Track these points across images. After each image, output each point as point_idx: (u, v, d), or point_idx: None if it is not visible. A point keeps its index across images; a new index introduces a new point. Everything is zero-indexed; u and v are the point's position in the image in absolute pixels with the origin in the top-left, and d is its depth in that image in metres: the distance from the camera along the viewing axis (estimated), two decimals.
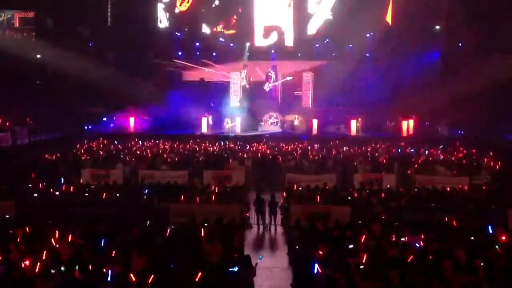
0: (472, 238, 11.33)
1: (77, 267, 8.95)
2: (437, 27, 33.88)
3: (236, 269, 9.32)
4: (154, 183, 17.63)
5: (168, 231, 11.80)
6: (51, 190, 16.27)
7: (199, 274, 8.70)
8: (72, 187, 16.85)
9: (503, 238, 11.12)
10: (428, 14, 32.91)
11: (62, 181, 17.53)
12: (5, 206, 13.95)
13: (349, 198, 15.72)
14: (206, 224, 12.53)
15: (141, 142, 27.75)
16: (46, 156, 22.49)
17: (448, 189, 16.67)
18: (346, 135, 31.07)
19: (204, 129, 31.96)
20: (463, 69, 30.46)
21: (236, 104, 34.91)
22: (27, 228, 11.57)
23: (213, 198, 15.66)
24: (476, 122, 29.41)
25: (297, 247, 11.67)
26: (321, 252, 10.13)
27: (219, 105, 34.79)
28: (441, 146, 26.27)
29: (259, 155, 23.98)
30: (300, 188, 17.14)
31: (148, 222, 12.80)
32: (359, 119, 31.98)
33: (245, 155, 23.54)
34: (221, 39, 35.60)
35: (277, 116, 33.92)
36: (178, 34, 35.72)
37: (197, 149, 25.81)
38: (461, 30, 31.22)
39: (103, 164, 21.60)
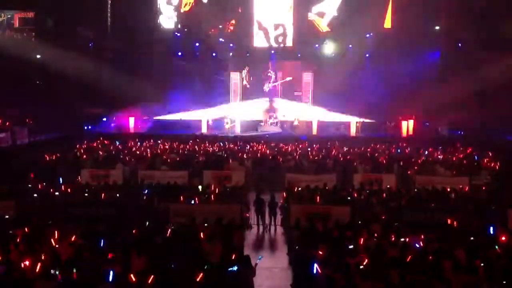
0: (472, 238, 11.33)
1: (76, 268, 8.95)
2: (437, 27, 33.90)
3: (235, 269, 9.32)
4: (154, 184, 17.62)
5: (168, 231, 11.79)
6: (51, 190, 16.26)
7: (200, 275, 8.69)
8: (72, 187, 16.84)
9: (503, 238, 11.13)
10: (428, 14, 32.92)
11: (62, 181, 17.53)
12: (5, 206, 13.95)
13: (349, 198, 15.71)
14: (206, 224, 12.54)
15: (140, 142, 27.76)
16: (46, 156, 22.48)
17: (448, 189, 16.66)
18: (346, 135, 31.06)
19: (204, 130, 31.96)
20: (463, 69, 30.46)
21: (236, 105, 35.00)
22: (26, 229, 11.58)
23: (213, 198, 15.66)
24: (476, 122, 29.41)
25: (297, 247, 11.66)
26: (321, 252, 10.13)
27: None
28: (440, 146, 26.26)
29: (259, 155, 23.99)
30: (300, 188, 17.11)
31: (148, 222, 12.79)
32: (359, 119, 31.98)
33: (245, 156, 23.55)
34: (221, 39, 35.61)
35: (277, 117, 33.94)
36: (178, 34, 35.72)
37: (197, 149, 25.82)
38: (461, 30, 31.22)
39: (103, 164, 21.60)
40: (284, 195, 16.76)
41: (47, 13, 32.08)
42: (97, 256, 9.90)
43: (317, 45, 35.64)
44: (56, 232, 11.15)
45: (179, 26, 35.45)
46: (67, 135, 29.04)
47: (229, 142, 28.42)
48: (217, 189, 16.82)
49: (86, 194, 16.25)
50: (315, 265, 9.18)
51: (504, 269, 9.08)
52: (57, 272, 8.95)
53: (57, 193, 16.02)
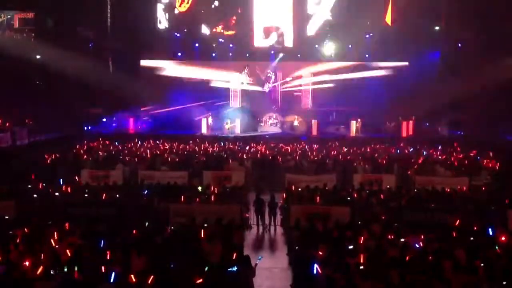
0: (472, 238, 11.33)
1: (76, 268, 8.95)
2: (437, 27, 33.89)
3: (235, 269, 9.32)
4: (154, 184, 17.62)
5: (168, 231, 11.79)
6: (51, 190, 16.26)
7: (199, 280, 8.68)
8: (72, 188, 16.83)
9: (503, 238, 11.13)
10: (428, 14, 32.90)
11: (62, 182, 17.52)
12: (5, 206, 13.95)
13: (348, 198, 15.71)
14: (206, 225, 12.54)
15: (140, 142, 27.74)
16: (46, 156, 22.47)
17: (448, 189, 16.65)
18: (346, 135, 31.06)
19: (204, 130, 31.96)
20: (463, 69, 30.43)
21: (236, 105, 34.97)
22: (26, 229, 11.57)
23: (213, 198, 15.66)
24: (476, 122, 29.39)
25: (296, 247, 11.66)
26: (321, 253, 10.13)
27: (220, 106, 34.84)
28: (439, 147, 26.25)
29: (258, 155, 23.98)
30: (299, 189, 17.10)
31: (148, 223, 12.79)
32: (359, 119, 31.97)
33: (244, 156, 23.54)
34: (220, 39, 35.60)
35: (277, 117, 33.94)
36: (178, 35, 35.70)
37: (197, 149, 25.81)
38: (461, 30, 31.20)
39: (103, 165, 21.58)
40: (284, 195, 16.77)
41: (47, 13, 32.02)
42: (97, 256, 9.90)
43: (317, 45, 35.62)
44: (56, 232, 11.15)
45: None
46: (67, 135, 29.03)
47: (229, 142, 28.41)
48: (217, 189, 16.82)
49: (86, 194, 16.25)
50: (315, 265, 9.18)
51: (504, 269, 9.08)
52: (57, 272, 8.96)
53: (57, 193, 16.01)
